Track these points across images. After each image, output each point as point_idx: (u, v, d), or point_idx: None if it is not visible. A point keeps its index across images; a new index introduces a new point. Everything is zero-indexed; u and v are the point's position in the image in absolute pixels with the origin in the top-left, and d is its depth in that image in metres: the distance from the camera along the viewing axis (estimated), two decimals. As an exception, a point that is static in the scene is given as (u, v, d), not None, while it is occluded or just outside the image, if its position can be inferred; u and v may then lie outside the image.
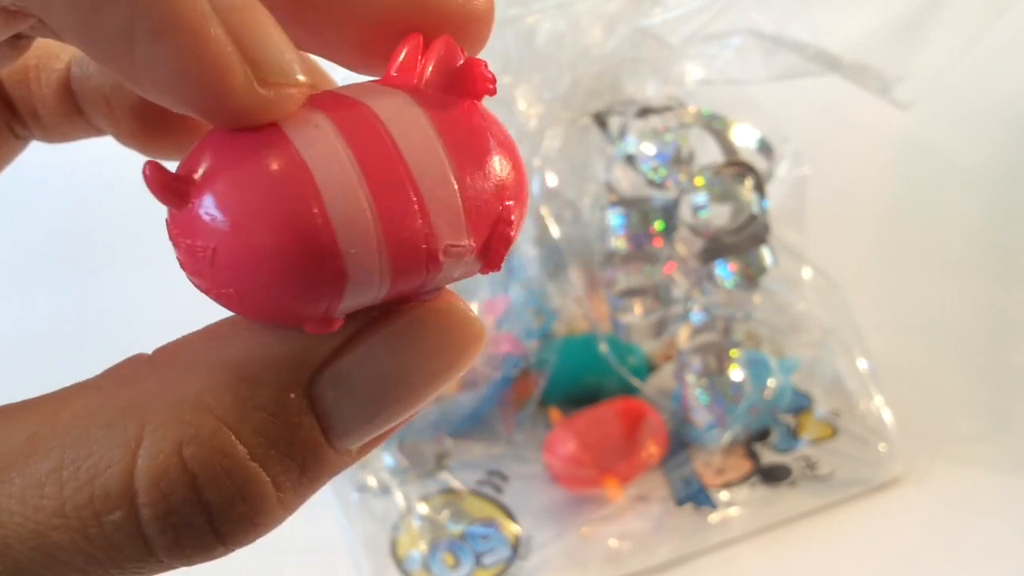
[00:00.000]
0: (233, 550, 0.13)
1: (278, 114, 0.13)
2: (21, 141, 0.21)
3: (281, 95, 0.12)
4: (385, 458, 0.46)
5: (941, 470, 0.47)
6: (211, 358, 0.13)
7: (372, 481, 0.45)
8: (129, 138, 0.20)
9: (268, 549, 0.47)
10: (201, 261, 0.13)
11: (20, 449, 0.13)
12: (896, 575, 0.43)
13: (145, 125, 0.20)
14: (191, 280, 0.13)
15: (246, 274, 0.12)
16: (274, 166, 0.12)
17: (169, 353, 0.14)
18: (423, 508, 0.44)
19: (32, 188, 0.62)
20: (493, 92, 0.14)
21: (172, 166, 0.13)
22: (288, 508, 0.14)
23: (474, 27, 0.14)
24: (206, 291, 0.13)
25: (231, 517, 0.13)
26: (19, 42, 0.17)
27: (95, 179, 0.52)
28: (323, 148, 0.13)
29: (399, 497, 0.44)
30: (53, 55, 0.20)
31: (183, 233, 0.13)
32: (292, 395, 0.13)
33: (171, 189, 0.13)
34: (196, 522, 0.13)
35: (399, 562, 0.42)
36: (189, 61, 0.12)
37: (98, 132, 0.21)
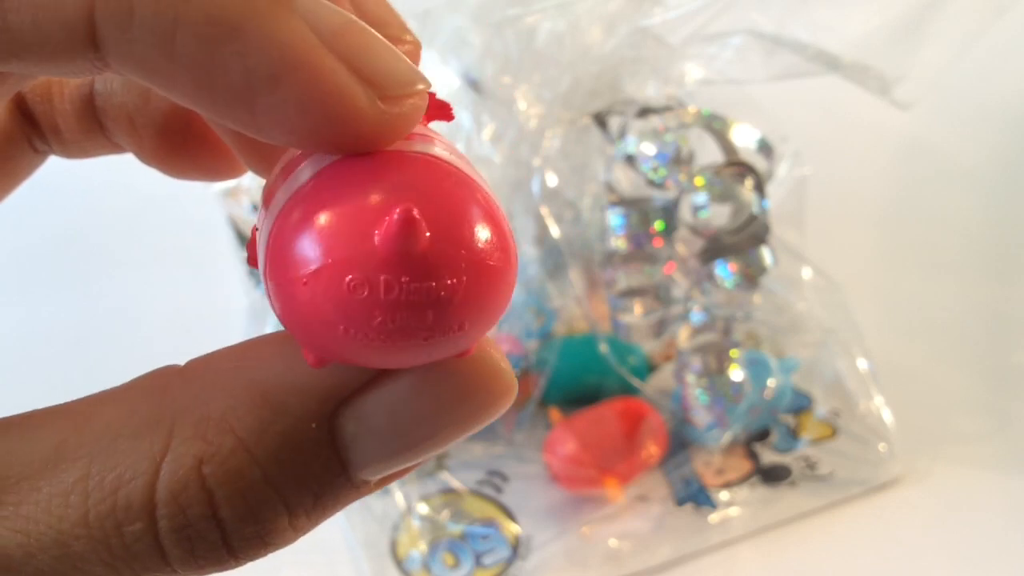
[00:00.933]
0: (243, 564, 0.14)
1: (408, 126, 0.13)
2: (40, 155, 0.21)
3: (406, 107, 0.13)
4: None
5: (941, 470, 0.47)
6: (240, 378, 0.14)
7: (372, 481, 0.45)
8: (151, 158, 0.20)
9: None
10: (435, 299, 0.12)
11: (47, 458, 0.13)
12: (896, 575, 0.43)
13: (168, 145, 0.19)
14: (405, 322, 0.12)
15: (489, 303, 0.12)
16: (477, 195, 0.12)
17: (200, 367, 0.14)
18: (423, 508, 0.44)
19: (37, 191, 0.62)
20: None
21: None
22: (299, 531, 0.14)
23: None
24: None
25: (243, 535, 0.13)
26: None
27: (101, 182, 0.52)
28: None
29: (399, 497, 0.44)
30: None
31: (422, 276, 0.12)
32: (314, 425, 0.13)
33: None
34: (210, 537, 0.13)
35: (399, 562, 0.42)
36: (311, 98, 0.12)
37: (118, 150, 0.20)
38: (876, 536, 0.44)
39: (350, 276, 0.12)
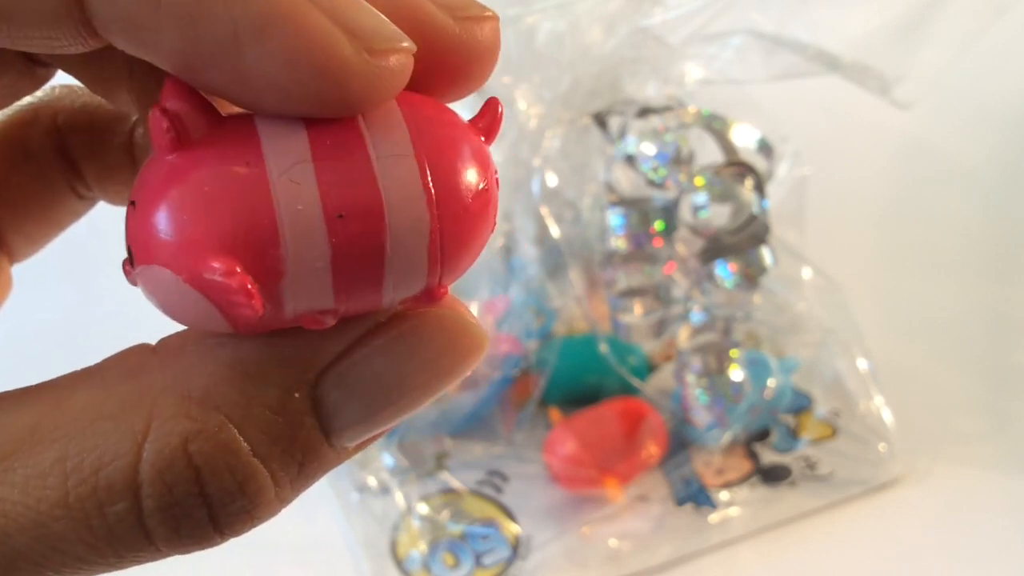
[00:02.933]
0: (228, 539, 0.14)
1: (395, 81, 0.13)
2: (85, 202, 0.21)
3: (392, 61, 0.13)
4: (385, 458, 0.46)
5: (941, 470, 0.47)
6: (219, 354, 0.14)
7: (372, 481, 0.45)
8: None
9: (268, 549, 0.47)
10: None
11: (23, 438, 0.13)
12: (896, 575, 0.43)
13: None
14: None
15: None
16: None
17: (176, 346, 0.14)
18: (423, 508, 0.44)
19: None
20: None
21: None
22: (284, 501, 0.14)
23: (475, 65, 0.14)
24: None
25: (230, 510, 0.13)
26: (37, 71, 0.17)
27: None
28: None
29: (399, 497, 0.44)
30: (119, 120, 0.20)
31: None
32: (297, 395, 0.14)
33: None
34: (196, 514, 0.13)
35: (399, 562, 0.42)
36: (299, 47, 0.12)
37: None
38: (876, 536, 0.44)
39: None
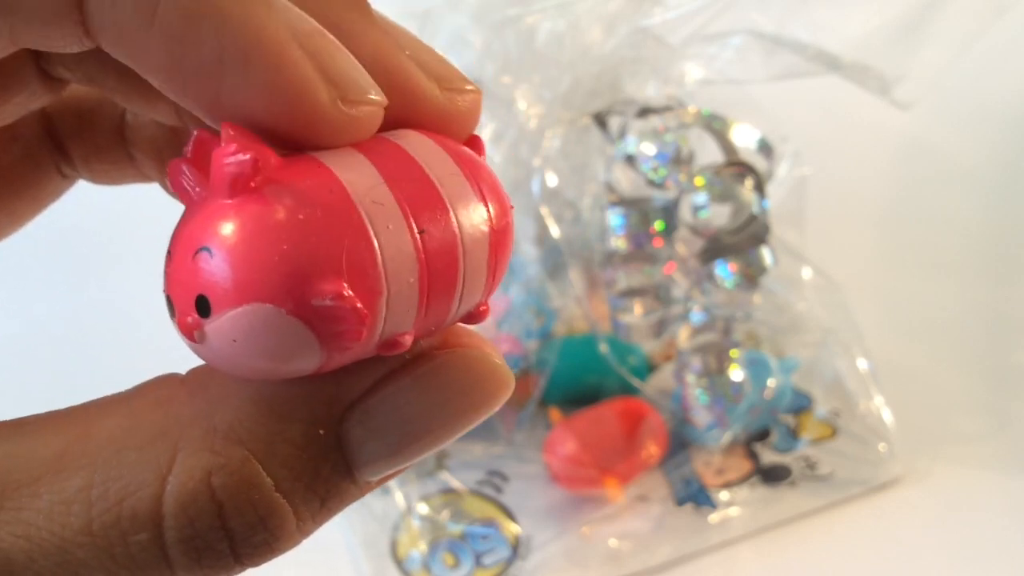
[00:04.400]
0: (248, 568, 0.14)
1: (361, 131, 0.13)
2: (68, 181, 0.21)
3: (362, 112, 0.13)
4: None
5: (941, 470, 0.47)
6: (246, 389, 0.14)
7: (372, 481, 0.45)
8: None
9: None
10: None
11: (49, 465, 0.13)
12: (896, 575, 0.43)
13: None
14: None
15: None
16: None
17: (203, 378, 0.14)
18: (423, 508, 0.44)
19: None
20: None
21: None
22: (305, 534, 0.14)
23: (455, 129, 0.15)
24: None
25: (252, 543, 0.14)
26: (53, 84, 0.17)
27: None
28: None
29: (399, 497, 0.44)
30: (109, 102, 0.20)
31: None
32: (322, 431, 0.14)
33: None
34: (218, 547, 0.13)
35: (399, 562, 0.42)
36: (277, 82, 0.13)
37: (147, 179, 0.21)
38: (876, 536, 0.44)
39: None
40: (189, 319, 0.13)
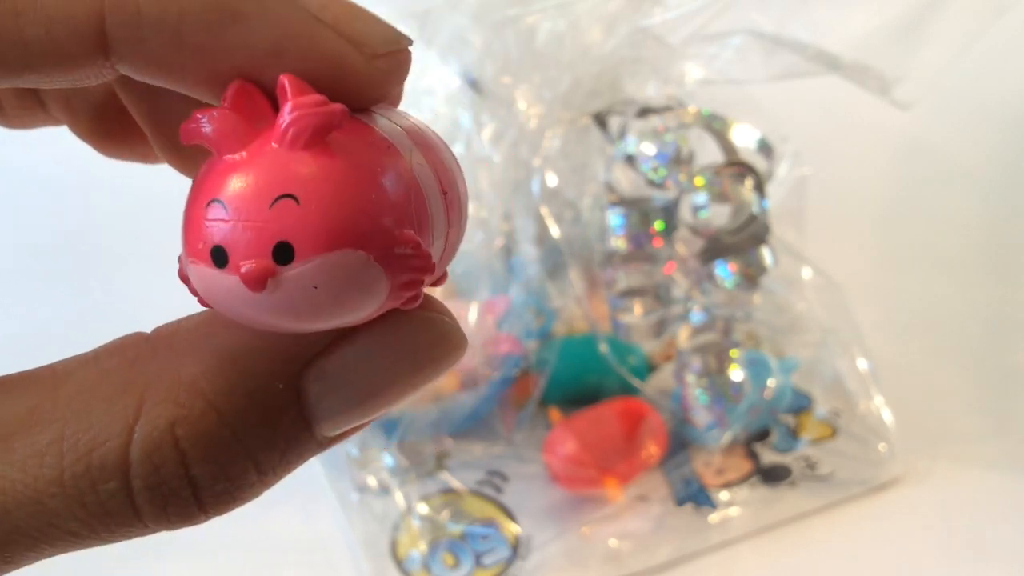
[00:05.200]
0: (211, 517, 0.15)
1: (397, 78, 0.15)
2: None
3: (392, 62, 0.14)
4: (385, 458, 0.46)
5: (941, 470, 0.47)
6: (209, 345, 0.14)
7: (372, 481, 0.45)
8: (84, 135, 0.21)
9: (268, 549, 0.47)
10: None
11: (22, 420, 0.14)
12: (896, 575, 0.43)
13: (101, 128, 0.20)
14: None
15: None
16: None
17: (168, 335, 0.15)
18: (423, 508, 0.44)
19: (37, 191, 0.62)
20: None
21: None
22: (266, 485, 0.15)
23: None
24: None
25: (214, 491, 0.14)
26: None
27: (101, 182, 0.52)
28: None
29: (399, 497, 0.44)
30: None
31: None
32: (280, 385, 0.14)
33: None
34: (183, 494, 0.14)
35: (399, 562, 0.42)
36: (312, 66, 0.14)
37: (57, 123, 0.21)
38: (876, 536, 0.44)
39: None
40: (262, 266, 0.13)
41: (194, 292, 0.14)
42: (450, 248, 0.15)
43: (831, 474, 0.47)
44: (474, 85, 0.46)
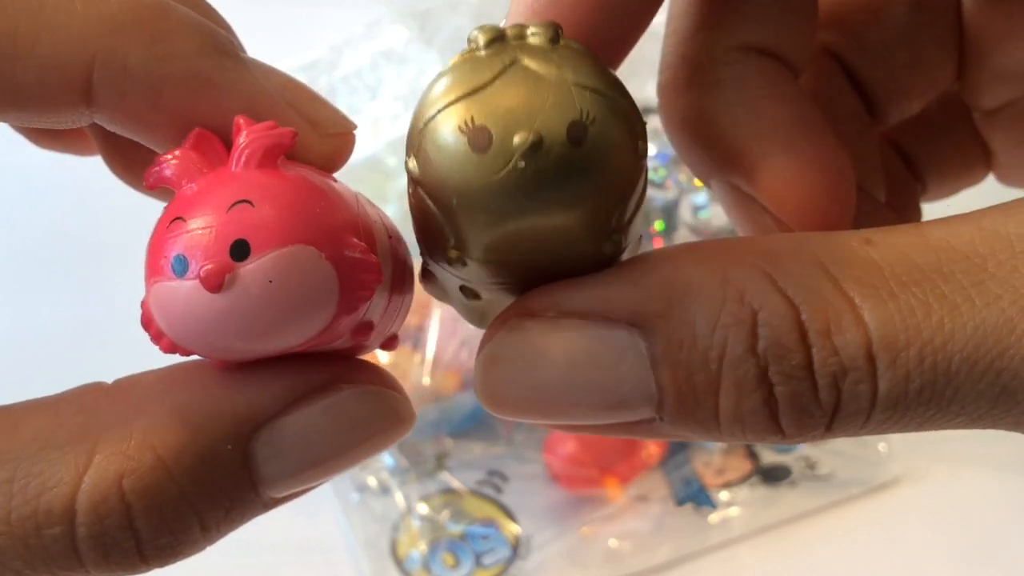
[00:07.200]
0: (153, 569, 0.15)
1: (345, 152, 0.16)
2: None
3: (341, 140, 0.16)
4: (385, 458, 0.46)
5: (941, 470, 0.47)
6: (165, 401, 0.15)
7: (372, 481, 0.45)
8: (21, 129, 0.21)
9: (268, 549, 0.47)
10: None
11: None
12: (896, 575, 0.43)
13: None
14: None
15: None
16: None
17: (127, 388, 0.15)
18: (423, 508, 0.44)
19: (37, 191, 0.62)
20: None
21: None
22: (209, 541, 0.15)
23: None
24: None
25: (157, 545, 0.14)
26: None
27: (100, 182, 0.52)
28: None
29: (399, 497, 0.44)
30: None
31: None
32: (229, 447, 0.15)
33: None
34: (125, 545, 0.14)
35: (399, 562, 0.42)
36: (276, 132, 0.15)
37: (88, 153, 0.22)
38: (876, 536, 0.44)
39: None
40: (220, 264, 0.13)
41: (156, 337, 0.14)
42: (400, 302, 0.16)
43: (831, 474, 0.47)
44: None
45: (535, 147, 0.13)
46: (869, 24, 0.21)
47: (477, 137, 0.13)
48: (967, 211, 0.15)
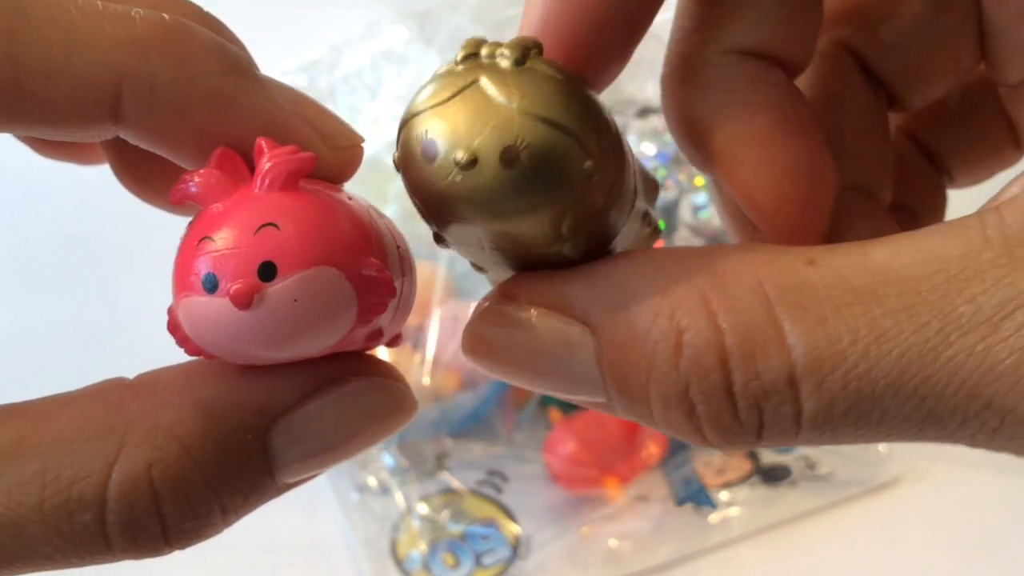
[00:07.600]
0: (175, 551, 0.16)
1: (354, 165, 0.17)
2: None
3: (351, 153, 0.17)
4: (385, 458, 0.46)
5: (941, 470, 0.47)
6: (187, 394, 0.16)
7: (372, 481, 0.45)
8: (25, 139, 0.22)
9: (268, 549, 0.47)
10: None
11: (9, 449, 0.15)
12: (896, 575, 0.43)
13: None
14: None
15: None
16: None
17: (150, 383, 0.16)
18: (423, 508, 0.44)
19: (36, 191, 0.62)
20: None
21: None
22: (227, 524, 0.16)
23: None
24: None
25: (181, 528, 0.16)
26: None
27: (99, 182, 0.52)
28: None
29: (399, 497, 0.44)
30: None
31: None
32: (250, 436, 0.16)
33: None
34: (152, 530, 0.15)
35: (399, 562, 0.42)
36: (288, 150, 0.16)
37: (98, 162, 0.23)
38: (876, 536, 0.44)
39: None
40: (249, 283, 0.15)
41: (182, 341, 0.16)
42: (404, 302, 0.17)
43: (831, 474, 0.47)
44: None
45: (470, 164, 0.14)
46: (886, 15, 0.21)
47: (428, 148, 0.15)
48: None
